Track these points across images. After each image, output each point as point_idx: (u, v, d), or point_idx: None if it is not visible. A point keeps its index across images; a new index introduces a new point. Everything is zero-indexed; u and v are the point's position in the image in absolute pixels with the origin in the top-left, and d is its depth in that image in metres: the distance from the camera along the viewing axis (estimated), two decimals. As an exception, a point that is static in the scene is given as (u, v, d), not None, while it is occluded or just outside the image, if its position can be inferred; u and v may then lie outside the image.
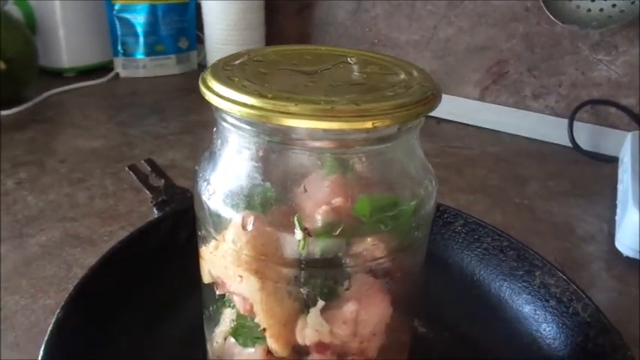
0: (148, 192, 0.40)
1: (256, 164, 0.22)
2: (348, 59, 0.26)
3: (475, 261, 0.41)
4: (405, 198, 0.23)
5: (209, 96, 0.21)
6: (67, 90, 0.84)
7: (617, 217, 0.56)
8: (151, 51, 0.92)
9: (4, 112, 0.73)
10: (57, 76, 0.88)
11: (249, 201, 0.22)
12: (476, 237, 0.42)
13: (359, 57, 0.27)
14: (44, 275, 0.44)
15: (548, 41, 0.76)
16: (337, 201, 0.23)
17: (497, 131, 0.80)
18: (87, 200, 0.55)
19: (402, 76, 0.24)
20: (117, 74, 0.91)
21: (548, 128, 0.78)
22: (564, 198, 0.63)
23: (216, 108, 0.22)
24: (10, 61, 0.73)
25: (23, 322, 0.39)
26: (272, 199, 0.22)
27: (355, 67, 0.25)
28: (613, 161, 0.69)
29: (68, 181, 0.59)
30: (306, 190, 0.22)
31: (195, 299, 0.30)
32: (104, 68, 0.92)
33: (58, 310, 0.29)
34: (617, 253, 0.52)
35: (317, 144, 0.21)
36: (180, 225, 0.38)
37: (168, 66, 0.94)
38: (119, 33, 0.90)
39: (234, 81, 0.22)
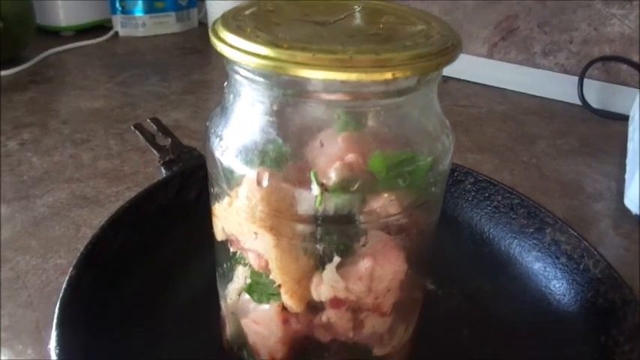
0: (154, 151, 0.39)
1: (270, 118, 0.22)
2: (362, 9, 0.25)
3: (485, 219, 0.41)
4: (421, 153, 0.23)
5: (221, 47, 0.20)
6: (66, 49, 0.82)
7: (626, 176, 0.56)
8: (150, 8, 0.89)
9: (3, 73, 0.72)
10: (54, 35, 0.86)
11: (264, 156, 0.22)
12: (486, 195, 0.41)
13: (373, 7, 0.26)
14: (53, 235, 0.44)
15: (560, -5, 0.73)
16: (352, 157, 0.22)
17: (506, 89, 0.79)
18: (91, 161, 0.55)
19: (420, 26, 0.23)
20: (116, 33, 0.89)
21: (558, 86, 0.76)
22: (573, 156, 0.63)
23: (229, 60, 0.21)
24: (7, 20, 0.71)
25: (35, 282, 0.39)
26: (287, 155, 0.22)
27: (370, 17, 0.24)
28: (623, 119, 0.68)
29: (72, 142, 0.58)
30: (322, 145, 0.21)
31: (207, 257, 0.30)
32: (102, 27, 0.90)
33: (71, 269, 0.29)
34: (626, 211, 0.52)
35: (333, 96, 0.20)
36: (189, 184, 0.38)
37: (168, 24, 0.92)
38: (117, -11, 0.87)
39: (247, 31, 0.21)
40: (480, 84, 0.80)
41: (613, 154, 0.63)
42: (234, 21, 0.22)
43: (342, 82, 0.19)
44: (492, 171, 0.57)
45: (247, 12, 0.23)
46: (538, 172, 0.59)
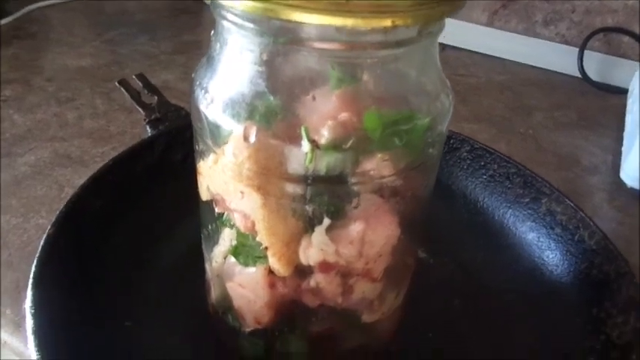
0: (140, 109, 0.37)
1: (260, 69, 0.20)
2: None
3: (480, 188, 0.40)
4: (419, 112, 0.22)
5: (207, -12, 0.19)
6: (50, 4, 0.79)
7: (623, 149, 0.55)
8: (139, -36, 0.85)
9: (-15, 27, 0.69)
10: (39, -11, 0.83)
11: (252, 110, 0.20)
12: (482, 164, 0.40)
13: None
14: (35, 195, 0.42)
15: (564, -38, 0.71)
16: (346, 115, 0.21)
17: (505, 59, 0.77)
18: (76, 120, 0.53)
19: (423, -28, 0.21)
20: (104, -11, 0.85)
21: (558, 57, 0.74)
22: (570, 129, 0.62)
23: (216, 4, 0.19)
24: (-13, -30, 0.67)
25: (15, 242, 0.38)
26: (277, 109, 0.20)
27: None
28: (622, 92, 0.67)
29: (56, 99, 0.56)
30: (314, 99, 0.20)
31: (192, 219, 0.29)
32: (90, -17, 0.86)
33: (49, 227, 0.27)
34: (621, 185, 0.51)
35: (327, 45, 0.19)
36: (176, 144, 0.37)
37: (158, -18, 0.88)
38: (104, -57, 0.83)
39: (235, -28, 0.19)
40: (479, 53, 0.78)
41: (611, 128, 0.62)
42: (221, -38, 0.20)
43: (338, 28, 0.18)
44: (489, 141, 0.56)
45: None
46: (534, 144, 0.58)
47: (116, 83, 0.39)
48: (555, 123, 0.63)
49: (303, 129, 0.19)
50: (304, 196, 0.21)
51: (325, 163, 0.20)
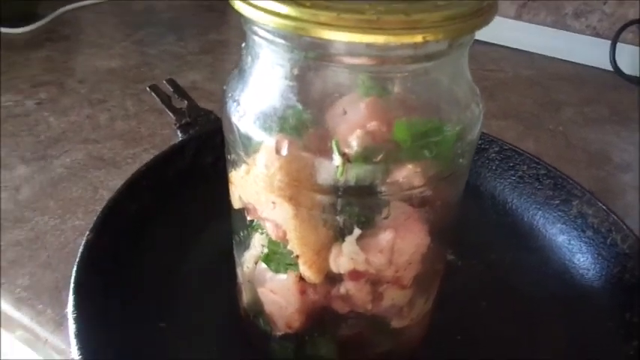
0: (171, 114, 0.38)
1: (290, 83, 0.20)
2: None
3: (509, 189, 0.40)
4: (449, 122, 0.22)
5: (239, 5, 0.19)
6: (81, 6, 0.80)
7: (657, 146, 0.53)
8: (166, -36, 0.86)
9: (19, 30, 0.71)
10: (70, -9, 0.85)
11: (283, 123, 0.21)
12: (511, 164, 0.40)
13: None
14: (71, 197, 0.44)
15: (596, -48, 0.69)
16: (375, 124, 0.21)
17: (533, 53, 0.75)
18: (108, 122, 0.55)
19: (453, -17, 0.21)
20: (131, -10, 0.87)
21: (589, 50, 0.73)
22: (601, 125, 0.60)
23: (247, 19, 0.19)
24: (21, -25, 0.69)
25: (54, 243, 0.39)
26: (307, 122, 0.21)
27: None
28: (657, 86, 0.65)
29: (88, 101, 0.58)
30: (345, 112, 0.20)
31: (224, 222, 0.29)
32: (118, -17, 0.87)
33: (88, 233, 0.28)
34: (655, 183, 0.50)
35: (358, 60, 0.19)
36: (206, 148, 0.37)
37: (184, -19, 0.89)
38: (132, -56, 0.84)
39: (266, -12, 0.19)
40: (506, 47, 0.76)
41: (644, 123, 0.60)
42: (252, -23, 0.20)
43: (368, 45, 0.18)
44: (516, 138, 0.56)
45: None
46: (564, 141, 0.57)
47: (147, 88, 0.39)
48: (585, 119, 0.61)
49: (334, 142, 0.20)
50: (335, 206, 0.21)
51: (356, 174, 0.20)
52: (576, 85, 0.69)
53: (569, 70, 0.72)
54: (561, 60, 0.74)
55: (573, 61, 0.74)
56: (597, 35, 0.73)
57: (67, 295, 0.34)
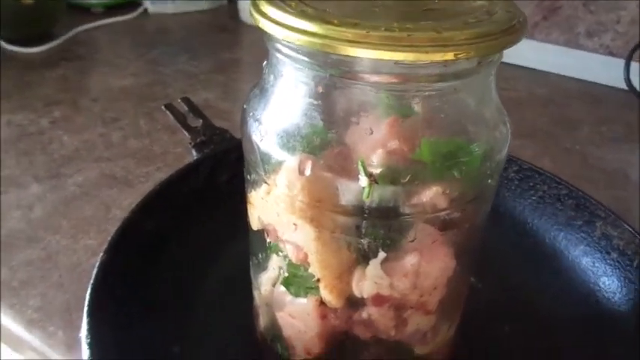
0: (186, 133, 0.38)
1: (314, 102, 0.20)
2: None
3: (529, 209, 0.39)
4: (477, 142, 0.21)
5: (263, 23, 0.19)
6: (96, 26, 0.81)
7: (677, 166, 0.52)
8: (179, -15, 0.87)
9: (34, 50, 0.72)
10: (85, 11, 0.86)
11: (306, 143, 0.20)
12: (531, 184, 0.39)
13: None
14: (83, 216, 0.43)
15: (609, -28, 0.69)
16: (396, 143, 0.20)
17: (547, 72, 0.75)
18: (121, 140, 0.54)
19: (481, 1, 0.21)
20: (145, 10, 0.88)
21: (603, 69, 0.72)
22: (618, 144, 0.59)
23: (271, 37, 0.19)
24: (38, -4, 0.70)
25: (66, 263, 0.39)
26: (331, 141, 0.20)
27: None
28: (673, 105, 0.64)
29: (102, 120, 0.58)
30: (372, 132, 0.19)
31: (239, 242, 0.29)
32: (132, 3, 0.88)
33: (102, 254, 0.28)
34: (676, 204, 0.49)
35: (385, 78, 0.19)
36: (221, 167, 0.37)
37: (197, 1, 0.90)
38: (146, -35, 0.85)
39: (292, 5, 0.19)
40: (519, 66, 0.76)
41: (661, 142, 0.59)
42: (276, -5, 0.20)
43: (396, 62, 0.17)
44: (533, 158, 0.54)
45: (290, -14, 0.21)
46: (581, 160, 0.56)
47: (162, 107, 0.39)
48: (602, 138, 0.61)
49: (360, 163, 0.19)
50: (359, 229, 0.21)
51: (381, 195, 0.20)
52: (591, 104, 0.68)
53: (583, 89, 0.72)
54: (575, 79, 0.74)
55: (588, 79, 0.73)
56: (611, 54, 0.72)
57: (78, 318, 0.33)
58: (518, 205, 0.40)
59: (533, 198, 0.39)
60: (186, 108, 0.40)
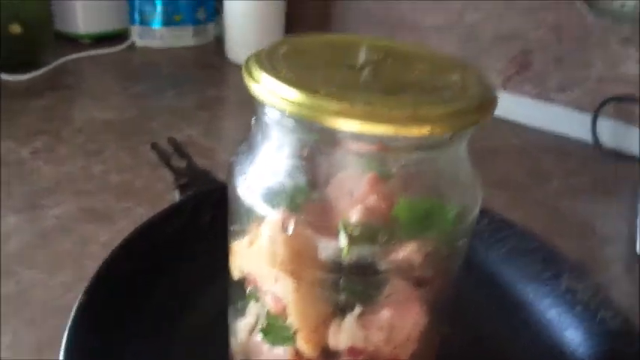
0: (170, 173, 0.39)
1: (298, 163, 0.21)
2: (393, 51, 0.25)
3: (500, 261, 0.41)
4: (450, 203, 0.22)
5: (255, 89, 0.20)
6: (83, 57, 0.82)
7: (638, 221, 0.55)
8: (168, 21, 0.89)
9: (20, 77, 0.72)
10: (72, 42, 0.87)
11: (289, 200, 0.21)
12: (501, 237, 0.41)
13: (403, 49, 0.25)
14: (60, 250, 0.43)
15: (577, 32, 0.73)
16: (375, 199, 0.22)
17: (519, 123, 0.78)
18: (102, 173, 0.55)
19: (456, 74, 0.22)
20: (132, 43, 0.89)
21: (572, 123, 0.76)
22: (586, 196, 0.62)
23: (262, 102, 0.20)
24: (26, 25, 0.71)
25: (40, 298, 0.38)
26: (313, 200, 0.21)
27: (403, 61, 0.24)
28: (636, 161, 0.68)
29: (84, 152, 0.58)
30: (352, 195, 0.21)
31: (217, 287, 0.29)
32: (120, 36, 0.90)
33: (81, 295, 0.28)
34: (638, 257, 0.51)
35: (366, 147, 0.20)
36: (203, 209, 0.38)
37: (184, 37, 0.92)
38: (137, 1, 0.87)
39: (282, 73, 0.20)
40: (495, 117, 0.79)
41: (625, 196, 0.62)
42: (268, 61, 0.22)
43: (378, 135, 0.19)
44: (505, 208, 0.56)
45: (280, 51, 0.23)
46: (551, 211, 0.58)
47: (149, 146, 0.40)
48: (571, 190, 0.63)
49: (340, 223, 0.20)
50: (337, 284, 0.22)
51: (358, 254, 0.21)
52: (561, 156, 0.71)
53: (553, 141, 0.75)
54: (546, 131, 0.77)
55: (558, 131, 0.77)
56: (580, 109, 0.76)
57: (50, 356, 0.33)
58: (489, 255, 0.41)
59: (503, 250, 0.40)
60: (172, 148, 0.41)
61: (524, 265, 0.39)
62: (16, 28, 0.71)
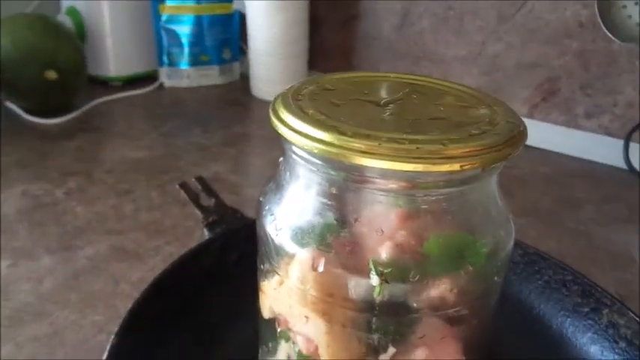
0: (199, 212, 0.39)
1: (328, 201, 0.21)
2: (419, 86, 0.25)
3: (535, 294, 0.39)
4: (482, 238, 0.22)
5: (282, 130, 0.20)
6: (114, 99, 0.85)
7: (680, 249, 0.53)
8: (195, 61, 0.92)
9: (54, 121, 0.75)
10: (104, 85, 0.90)
11: (319, 239, 0.21)
12: (536, 269, 0.40)
13: (429, 84, 0.26)
14: (92, 290, 0.44)
15: (603, 59, 0.73)
16: (404, 235, 0.21)
17: (547, 150, 0.77)
18: (133, 212, 0.56)
19: (483, 109, 0.22)
20: (161, 84, 0.92)
21: (602, 149, 0.74)
22: (622, 224, 0.60)
23: (289, 142, 0.21)
24: (62, 71, 0.74)
25: (72, 339, 0.39)
26: (343, 239, 0.21)
27: (429, 97, 0.24)
28: (674, 186, 0.65)
29: (115, 192, 0.59)
30: (382, 232, 0.20)
31: (246, 325, 0.29)
32: (149, 78, 0.93)
33: (113, 337, 0.28)
34: (684, 288, 0.49)
35: (395, 184, 0.20)
36: (231, 246, 0.38)
37: (211, 76, 0.95)
38: (165, 44, 0.91)
39: (308, 113, 0.21)
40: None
41: (663, 223, 0.60)
42: (294, 101, 0.22)
43: (407, 171, 0.19)
44: (538, 237, 0.55)
45: (306, 91, 0.23)
46: (586, 240, 0.56)
47: (177, 186, 0.41)
48: (606, 218, 0.61)
49: (371, 262, 0.20)
50: (369, 324, 0.21)
51: (391, 293, 0.21)
52: (593, 183, 0.69)
53: (584, 168, 0.73)
54: (576, 157, 0.76)
55: (588, 158, 0.75)
56: (609, 135, 0.75)
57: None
58: (524, 289, 0.40)
59: (539, 283, 0.39)
60: (200, 187, 0.41)
61: (562, 298, 0.38)
62: (51, 74, 0.74)
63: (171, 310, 0.33)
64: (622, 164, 0.71)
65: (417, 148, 0.18)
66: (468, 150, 0.18)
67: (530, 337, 0.38)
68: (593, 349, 0.36)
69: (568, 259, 0.40)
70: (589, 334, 0.36)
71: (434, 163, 0.18)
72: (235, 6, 0.94)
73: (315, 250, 0.21)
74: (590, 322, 0.36)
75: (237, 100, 0.91)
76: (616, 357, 0.34)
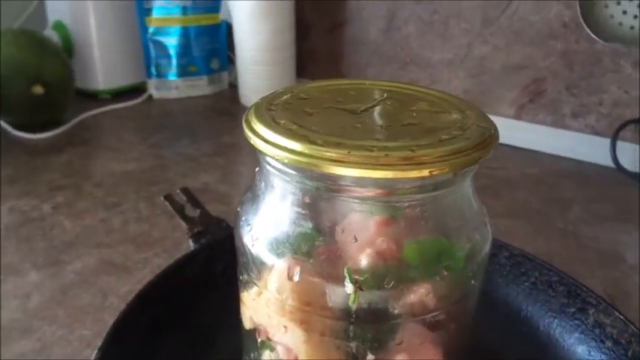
0: (183, 223, 0.39)
1: (302, 211, 0.21)
2: (394, 94, 0.25)
3: (522, 296, 0.39)
4: (459, 242, 0.22)
5: (254, 140, 0.20)
6: (102, 112, 0.85)
7: (668, 246, 0.53)
8: (183, 72, 0.92)
9: (42, 135, 0.75)
10: (92, 98, 0.90)
11: (295, 249, 0.21)
12: (522, 270, 0.40)
13: (404, 91, 0.26)
14: (80, 304, 0.44)
15: (587, 59, 0.73)
16: (384, 242, 0.21)
17: (535, 151, 0.78)
18: (121, 225, 0.56)
19: (455, 114, 0.22)
20: (150, 95, 0.92)
21: (589, 148, 0.75)
22: (610, 223, 0.60)
23: (262, 152, 0.21)
24: (48, 86, 0.74)
25: (60, 354, 0.38)
26: (319, 247, 0.21)
27: (402, 104, 0.24)
28: (661, 183, 0.66)
29: (103, 205, 0.59)
30: (356, 240, 0.21)
31: (231, 335, 0.29)
32: (138, 90, 0.93)
33: (96, 352, 0.28)
34: (672, 285, 0.49)
35: (367, 192, 0.20)
36: (217, 256, 0.38)
37: (200, 86, 0.95)
38: (153, 55, 0.91)
39: (280, 124, 0.21)
40: (508, 145, 0.79)
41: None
42: (267, 111, 0.22)
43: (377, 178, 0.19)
44: (526, 238, 0.56)
45: (281, 100, 0.24)
46: (575, 240, 0.57)
47: (161, 198, 0.41)
48: (594, 217, 0.62)
49: (346, 270, 0.20)
50: (347, 332, 0.21)
51: (368, 300, 0.21)
52: (581, 183, 0.70)
53: (572, 168, 0.74)
54: (564, 157, 0.76)
55: (575, 158, 0.75)
56: (596, 134, 0.75)
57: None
58: (511, 291, 0.40)
59: (526, 284, 0.39)
60: (185, 198, 0.41)
61: (548, 299, 0.38)
62: (38, 89, 0.74)
63: (157, 322, 0.33)
64: (610, 163, 0.72)
65: (387, 155, 0.18)
66: (437, 155, 0.19)
67: (518, 338, 0.38)
68: (581, 350, 0.36)
69: (557, 259, 0.40)
70: (576, 335, 0.36)
71: (403, 170, 0.18)
72: (222, 16, 0.94)
73: (291, 260, 0.21)
74: (576, 322, 0.36)
75: (226, 110, 0.91)
76: (603, 357, 0.35)
